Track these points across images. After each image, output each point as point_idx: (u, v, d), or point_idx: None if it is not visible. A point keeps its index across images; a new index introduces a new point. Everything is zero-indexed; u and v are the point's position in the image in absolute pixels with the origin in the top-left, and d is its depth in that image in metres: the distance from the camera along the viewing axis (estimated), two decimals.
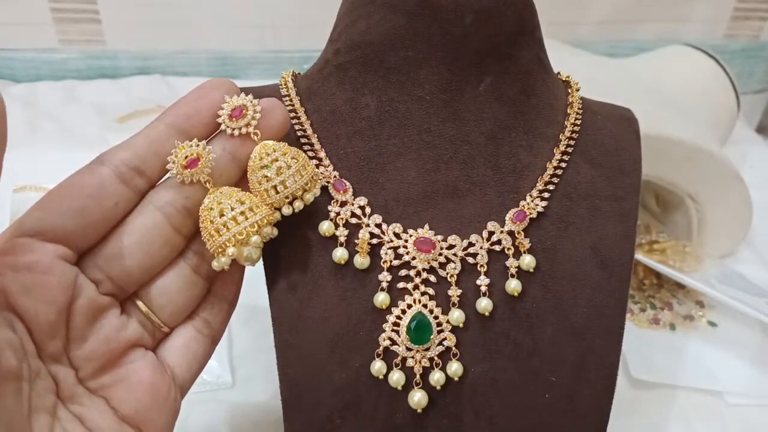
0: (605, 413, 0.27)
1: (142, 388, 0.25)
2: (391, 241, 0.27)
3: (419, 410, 0.26)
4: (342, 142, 0.29)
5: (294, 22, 0.78)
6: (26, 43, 0.77)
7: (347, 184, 0.28)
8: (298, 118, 0.29)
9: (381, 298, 0.27)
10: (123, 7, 0.76)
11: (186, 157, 0.25)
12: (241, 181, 0.26)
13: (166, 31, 0.78)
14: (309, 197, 0.26)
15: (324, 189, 0.28)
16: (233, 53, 0.80)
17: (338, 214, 0.28)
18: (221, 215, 0.25)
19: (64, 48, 0.78)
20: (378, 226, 0.27)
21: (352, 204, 0.28)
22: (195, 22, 0.78)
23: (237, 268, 0.28)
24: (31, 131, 0.68)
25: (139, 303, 0.26)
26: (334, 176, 0.28)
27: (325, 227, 0.27)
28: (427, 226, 0.28)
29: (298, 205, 0.26)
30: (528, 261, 0.27)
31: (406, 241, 0.27)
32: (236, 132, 0.25)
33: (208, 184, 0.25)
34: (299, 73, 0.32)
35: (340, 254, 0.27)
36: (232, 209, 0.25)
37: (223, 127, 0.25)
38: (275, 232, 0.26)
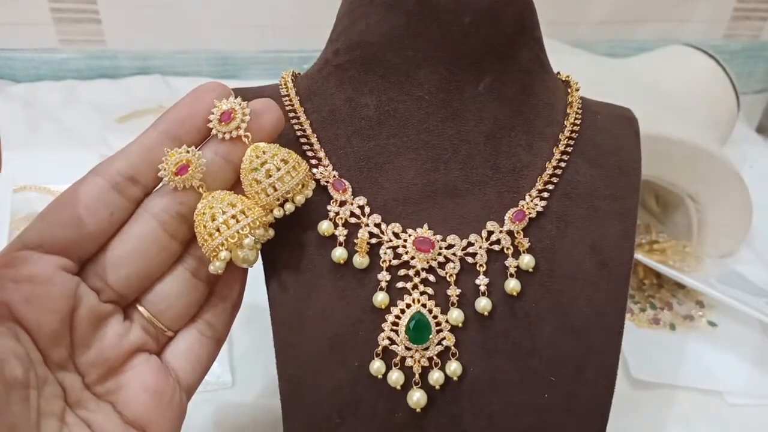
0: (605, 413, 0.27)
1: (147, 392, 0.25)
2: (390, 240, 0.27)
3: (418, 410, 0.26)
4: (341, 142, 0.29)
5: (294, 22, 0.78)
6: (26, 43, 0.77)
7: (346, 183, 0.28)
8: (298, 118, 0.29)
9: (380, 298, 0.27)
10: (123, 7, 0.76)
11: (176, 163, 0.25)
12: (237, 184, 0.26)
13: (166, 31, 0.78)
14: (300, 199, 0.26)
15: (323, 189, 0.28)
16: (233, 53, 0.80)
17: (337, 213, 0.28)
18: (213, 219, 0.25)
19: (64, 48, 0.78)
20: (377, 225, 0.28)
21: (352, 204, 0.28)
22: (195, 22, 0.78)
23: (238, 270, 0.28)
24: (31, 131, 0.68)
25: (141, 308, 0.26)
26: (334, 176, 0.28)
27: (325, 227, 0.27)
28: (426, 226, 0.28)
29: (289, 207, 0.26)
30: (527, 261, 0.27)
31: (405, 240, 0.27)
32: (227, 136, 0.25)
33: (201, 189, 0.25)
34: (299, 73, 0.32)
35: (339, 254, 0.27)
36: (224, 213, 0.25)
37: (214, 131, 0.25)
38: (271, 233, 0.26)
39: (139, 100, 0.74)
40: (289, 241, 0.28)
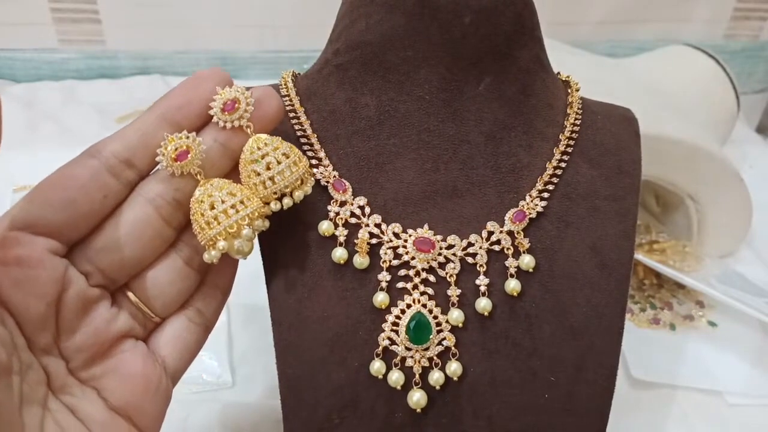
0: (604, 413, 0.27)
1: (133, 379, 0.25)
2: (391, 240, 0.27)
3: (418, 410, 0.26)
4: (341, 142, 0.29)
5: (294, 22, 0.78)
6: (26, 43, 0.77)
7: (347, 183, 0.28)
8: (298, 118, 0.29)
9: (380, 298, 0.27)
10: (123, 7, 0.76)
11: (176, 149, 0.24)
12: (233, 172, 0.26)
13: (166, 31, 0.78)
14: (298, 195, 0.26)
15: (323, 189, 0.28)
16: (233, 53, 0.80)
17: (338, 213, 0.28)
18: (212, 208, 0.24)
19: (64, 48, 0.78)
20: (377, 225, 0.27)
21: (352, 204, 0.28)
22: (195, 22, 0.78)
23: (231, 258, 0.28)
24: (31, 131, 0.68)
25: (130, 294, 0.26)
26: (334, 176, 0.28)
27: (325, 227, 0.27)
28: (426, 226, 0.28)
29: (287, 201, 0.26)
30: (527, 261, 0.27)
31: (406, 240, 0.27)
32: (228, 125, 0.25)
33: (198, 176, 0.25)
34: (299, 73, 0.32)
35: (339, 254, 0.27)
36: (223, 202, 0.25)
37: (215, 119, 0.25)
38: (267, 224, 0.26)
39: (139, 100, 0.74)
40: (290, 242, 0.28)
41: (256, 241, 0.26)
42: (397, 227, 0.27)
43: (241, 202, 0.25)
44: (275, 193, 0.25)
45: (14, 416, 0.22)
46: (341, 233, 0.27)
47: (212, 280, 0.28)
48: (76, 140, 0.67)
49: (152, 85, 0.78)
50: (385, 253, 0.27)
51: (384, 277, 0.27)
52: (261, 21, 0.78)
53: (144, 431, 0.26)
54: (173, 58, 0.80)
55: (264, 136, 0.25)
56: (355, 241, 0.27)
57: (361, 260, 0.27)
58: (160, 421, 0.26)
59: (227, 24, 0.78)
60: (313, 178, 0.27)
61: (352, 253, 0.27)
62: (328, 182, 0.28)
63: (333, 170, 0.28)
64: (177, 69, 0.80)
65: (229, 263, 0.28)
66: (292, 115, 0.29)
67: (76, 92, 0.76)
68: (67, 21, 0.76)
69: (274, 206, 0.26)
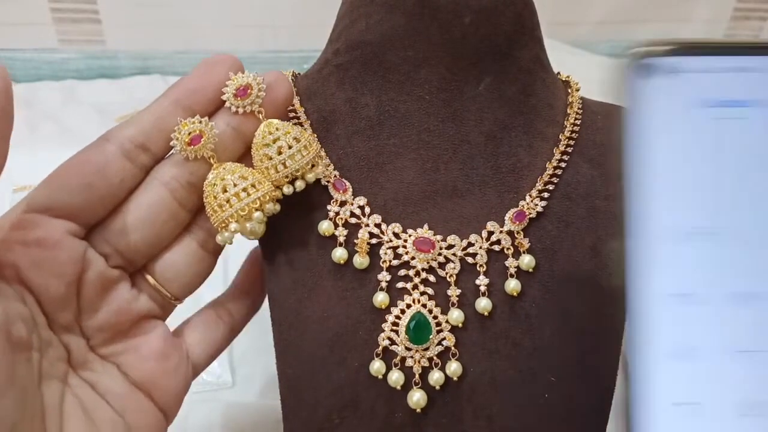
0: (605, 413, 0.27)
1: (153, 357, 0.26)
2: (391, 240, 0.27)
3: (418, 410, 0.26)
4: (342, 142, 0.29)
5: (294, 22, 0.78)
6: (26, 43, 0.76)
7: (347, 183, 0.28)
8: (298, 118, 0.29)
9: (380, 298, 0.27)
10: (123, 7, 0.76)
11: (189, 133, 0.25)
12: (246, 156, 0.27)
13: (166, 31, 0.78)
14: (310, 177, 0.26)
15: (324, 188, 0.28)
16: (233, 53, 0.80)
17: (338, 213, 0.28)
18: (224, 191, 0.25)
19: (64, 48, 0.77)
20: (377, 225, 0.28)
21: (352, 204, 0.28)
22: (195, 22, 0.78)
23: (258, 268, 0.29)
24: (31, 131, 0.68)
25: (148, 276, 0.27)
26: (334, 176, 0.28)
27: (325, 227, 0.27)
28: (426, 226, 0.28)
29: (299, 184, 0.26)
30: (527, 261, 0.27)
31: (406, 240, 0.27)
32: (241, 110, 0.26)
33: (212, 160, 0.26)
34: (299, 73, 0.32)
35: (339, 254, 0.27)
36: (235, 185, 0.25)
37: (227, 104, 0.26)
38: (278, 208, 0.26)
39: (139, 100, 0.73)
40: (290, 241, 0.28)
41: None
42: (397, 227, 0.28)
43: (253, 185, 0.25)
44: (287, 176, 0.26)
45: (33, 390, 0.22)
46: (341, 233, 0.27)
47: (242, 285, 0.30)
48: (76, 140, 0.66)
49: (152, 85, 0.78)
50: (385, 253, 0.27)
51: (384, 277, 0.27)
52: (261, 21, 0.78)
53: (163, 408, 0.26)
54: (173, 58, 0.79)
55: (276, 121, 0.26)
56: (355, 241, 0.27)
57: (361, 260, 0.27)
58: (179, 400, 0.27)
59: (227, 24, 0.78)
60: (323, 162, 0.28)
61: (352, 253, 0.27)
62: (328, 182, 0.28)
63: (333, 170, 0.28)
64: (177, 69, 0.80)
65: (255, 270, 0.30)
66: (292, 115, 0.29)
67: (76, 92, 0.76)
68: (67, 21, 0.76)
69: (287, 190, 0.26)
